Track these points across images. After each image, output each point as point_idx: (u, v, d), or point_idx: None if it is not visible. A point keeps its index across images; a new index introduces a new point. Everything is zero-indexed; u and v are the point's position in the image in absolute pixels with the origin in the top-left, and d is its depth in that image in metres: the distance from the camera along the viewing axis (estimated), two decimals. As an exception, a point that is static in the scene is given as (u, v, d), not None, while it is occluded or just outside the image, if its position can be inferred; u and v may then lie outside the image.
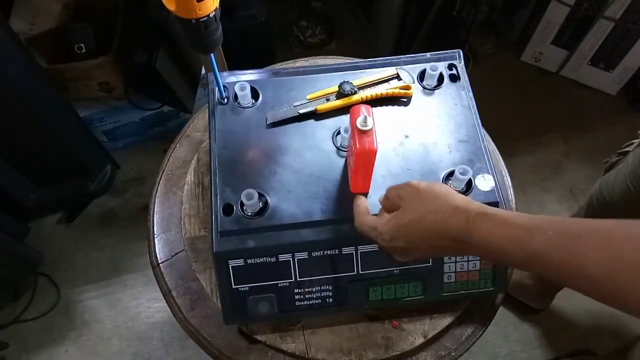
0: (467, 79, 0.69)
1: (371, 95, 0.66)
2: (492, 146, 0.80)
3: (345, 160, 0.62)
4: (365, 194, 0.60)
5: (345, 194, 0.60)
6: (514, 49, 1.76)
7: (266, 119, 0.66)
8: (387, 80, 0.68)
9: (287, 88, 0.68)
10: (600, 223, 0.38)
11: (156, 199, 0.76)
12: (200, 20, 0.53)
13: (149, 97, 1.42)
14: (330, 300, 0.61)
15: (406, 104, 0.68)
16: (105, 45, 1.29)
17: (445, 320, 0.66)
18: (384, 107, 0.67)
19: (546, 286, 1.24)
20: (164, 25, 1.28)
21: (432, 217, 0.47)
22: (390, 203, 0.51)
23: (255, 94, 0.67)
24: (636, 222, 0.36)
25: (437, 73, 0.68)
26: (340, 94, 0.66)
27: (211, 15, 0.53)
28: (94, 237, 1.45)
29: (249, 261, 0.58)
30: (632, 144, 0.89)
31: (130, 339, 1.32)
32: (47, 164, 1.33)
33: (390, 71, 0.69)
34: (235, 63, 0.99)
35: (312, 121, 0.66)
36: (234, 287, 0.59)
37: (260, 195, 0.59)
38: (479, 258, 0.62)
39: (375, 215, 0.53)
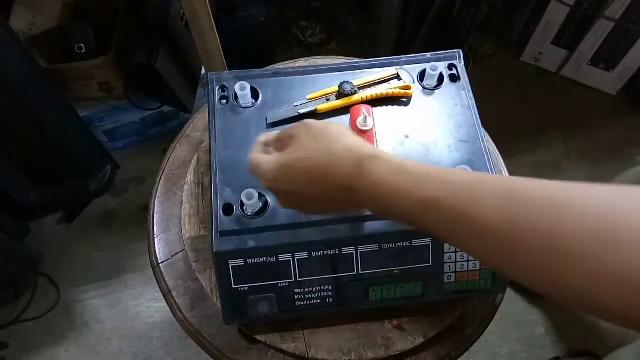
0: (467, 79, 0.69)
1: (371, 95, 0.66)
2: (492, 146, 0.80)
3: (345, 160, 0.62)
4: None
5: (345, 194, 0.60)
6: (514, 49, 1.76)
7: (266, 119, 0.66)
8: (387, 80, 0.68)
9: (287, 88, 0.68)
10: (508, 177, 0.35)
11: (156, 199, 0.76)
12: None
13: (149, 97, 1.42)
14: (331, 300, 0.61)
15: (406, 104, 0.68)
16: (105, 45, 1.29)
17: (445, 320, 0.66)
18: (384, 107, 0.67)
19: None
20: (164, 25, 1.28)
21: (319, 157, 0.42)
22: (282, 143, 0.47)
23: (255, 94, 0.67)
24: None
25: (437, 73, 0.68)
26: (340, 94, 0.66)
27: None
28: (94, 237, 1.45)
29: (249, 261, 0.58)
30: None
31: (130, 339, 1.32)
32: (47, 164, 1.33)
33: (390, 71, 0.69)
34: (235, 63, 0.99)
35: (312, 121, 0.66)
36: (234, 287, 0.59)
37: (260, 195, 0.59)
38: (479, 258, 0.61)
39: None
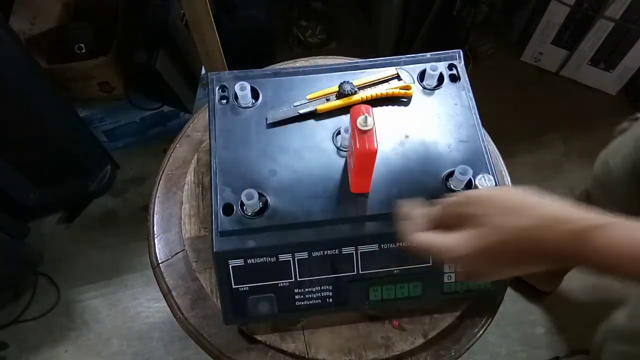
0: (467, 79, 0.69)
1: (371, 95, 0.66)
2: (492, 146, 0.80)
3: (345, 160, 0.62)
4: (365, 194, 0.60)
5: (345, 194, 0.60)
6: (514, 49, 1.76)
7: (266, 119, 0.66)
8: (387, 80, 0.68)
9: (287, 88, 0.68)
10: None
11: (156, 199, 0.76)
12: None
13: (149, 97, 1.42)
14: (330, 300, 0.61)
15: (406, 104, 0.68)
16: (105, 45, 1.29)
17: (445, 320, 0.66)
18: (384, 107, 0.67)
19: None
20: (164, 25, 1.28)
21: (526, 235, 0.40)
22: (449, 220, 0.45)
23: (255, 94, 0.67)
24: None
25: (437, 73, 0.68)
26: (340, 94, 0.66)
27: None
28: (94, 237, 1.45)
29: (249, 261, 0.58)
30: None
31: (130, 339, 1.32)
32: (47, 164, 1.33)
33: (390, 71, 0.69)
34: (235, 63, 0.99)
35: (312, 121, 0.66)
36: (234, 287, 0.59)
37: (260, 195, 0.59)
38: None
39: (435, 232, 0.46)
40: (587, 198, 1.00)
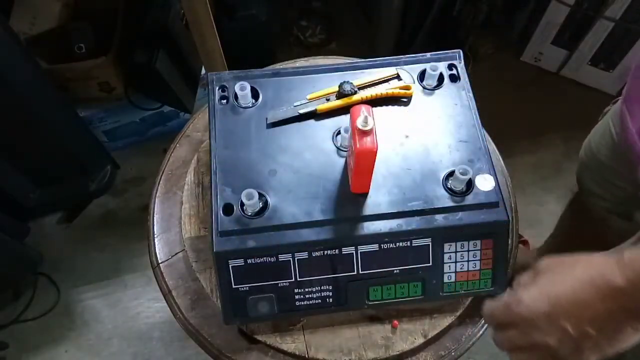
0: (467, 79, 0.69)
1: (371, 95, 0.66)
2: (492, 146, 0.80)
3: (345, 160, 0.62)
4: (365, 194, 0.60)
5: (345, 194, 0.60)
6: (514, 49, 1.76)
7: (266, 119, 0.66)
8: (387, 80, 0.68)
9: (287, 88, 0.68)
10: None
11: (156, 199, 0.76)
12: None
13: (149, 97, 1.42)
14: (330, 300, 0.61)
15: (406, 104, 0.68)
16: (105, 45, 1.29)
17: (445, 320, 0.66)
18: (384, 107, 0.67)
19: None
20: (164, 25, 1.28)
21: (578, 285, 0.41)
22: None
23: (255, 94, 0.67)
24: None
25: (437, 73, 0.68)
26: (340, 94, 0.66)
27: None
28: (94, 237, 1.45)
29: (249, 261, 0.58)
30: None
31: (130, 339, 1.32)
32: (47, 164, 1.33)
33: (390, 71, 0.69)
34: (235, 63, 0.99)
35: (312, 121, 0.66)
36: (234, 287, 0.59)
37: (260, 195, 0.59)
38: (479, 258, 0.61)
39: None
40: (578, 185, 1.00)
